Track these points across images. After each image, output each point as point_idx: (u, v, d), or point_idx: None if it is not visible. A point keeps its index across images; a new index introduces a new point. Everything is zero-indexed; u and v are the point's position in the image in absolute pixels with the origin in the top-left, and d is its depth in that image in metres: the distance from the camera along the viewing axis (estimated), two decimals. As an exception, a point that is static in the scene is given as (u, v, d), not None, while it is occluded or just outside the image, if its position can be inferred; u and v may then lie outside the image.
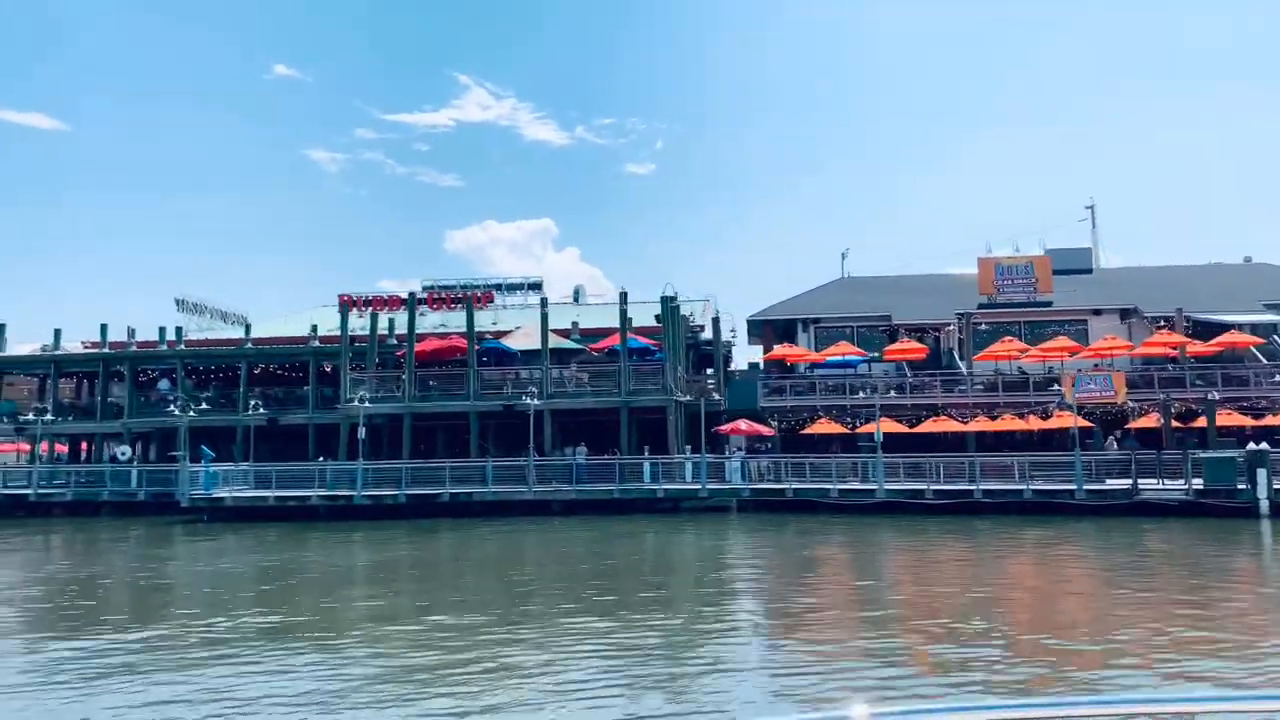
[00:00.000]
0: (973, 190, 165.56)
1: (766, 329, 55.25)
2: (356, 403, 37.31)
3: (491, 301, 60.64)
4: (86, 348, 53.85)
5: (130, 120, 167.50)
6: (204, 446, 37.88)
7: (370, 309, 60.57)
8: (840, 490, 34.09)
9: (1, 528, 37.08)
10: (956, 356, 49.41)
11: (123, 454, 43.50)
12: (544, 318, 40.41)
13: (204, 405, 42.99)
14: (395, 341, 46.28)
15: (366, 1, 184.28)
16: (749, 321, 55.99)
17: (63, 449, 57.58)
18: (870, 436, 39.25)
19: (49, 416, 43.27)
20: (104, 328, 49.32)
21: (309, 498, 35.72)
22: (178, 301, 64.82)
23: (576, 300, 64.77)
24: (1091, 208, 63.22)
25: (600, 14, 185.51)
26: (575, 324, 50.50)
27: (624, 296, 40.27)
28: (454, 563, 25.37)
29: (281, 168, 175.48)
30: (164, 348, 48.55)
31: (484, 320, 59.78)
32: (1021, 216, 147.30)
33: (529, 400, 36.35)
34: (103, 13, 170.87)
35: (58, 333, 48.91)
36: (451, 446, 41.79)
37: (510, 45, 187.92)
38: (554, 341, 43.48)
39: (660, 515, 34.30)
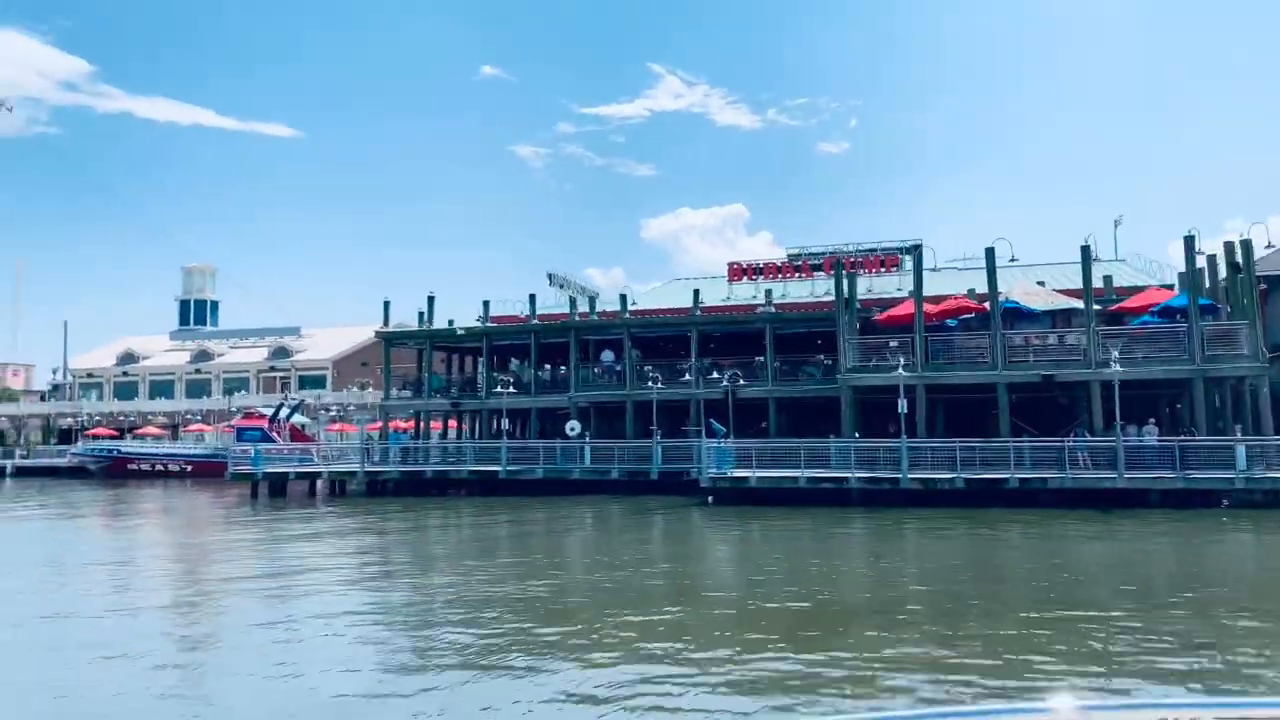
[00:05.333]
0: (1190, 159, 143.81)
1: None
2: (902, 370, 32.05)
3: (898, 265, 54.62)
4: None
5: (355, 125, 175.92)
6: (713, 421, 33.95)
7: (762, 277, 56.49)
8: None
9: (499, 507, 34.77)
10: None
11: (572, 429, 40.69)
12: (1086, 271, 33.60)
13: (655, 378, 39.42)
14: (858, 307, 41.09)
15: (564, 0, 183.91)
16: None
17: (453, 425, 56.71)
18: None
19: (512, 390, 41.04)
20: (532, 298, 47.15)
21: (846, 479, 30.89)
22: (549, 276, 63.49)
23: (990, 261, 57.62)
24: None
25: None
26: (1042, 283, 43.55)
27: (1190, 241, 32.88)
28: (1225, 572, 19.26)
29: (491, 165, 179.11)
30: (594, 318, 45.67)
31: (888, 285, 54.04)
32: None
33: (1114, 367, 29.74)
34: (330, 29, 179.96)
35: (486, 304, 47.21)
36: (954, 422, 36.07)
37: (701, 32, 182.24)
38: (1064, 302, 36.83)
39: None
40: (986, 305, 36.34)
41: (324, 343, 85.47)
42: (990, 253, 34.80)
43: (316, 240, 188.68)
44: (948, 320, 39.61)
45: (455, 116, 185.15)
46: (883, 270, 54.87)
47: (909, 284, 52.32)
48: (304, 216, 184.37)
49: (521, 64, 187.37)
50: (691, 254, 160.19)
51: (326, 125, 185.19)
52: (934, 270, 56.77)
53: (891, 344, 36.82)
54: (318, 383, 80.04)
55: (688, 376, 41.16)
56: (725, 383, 37.33)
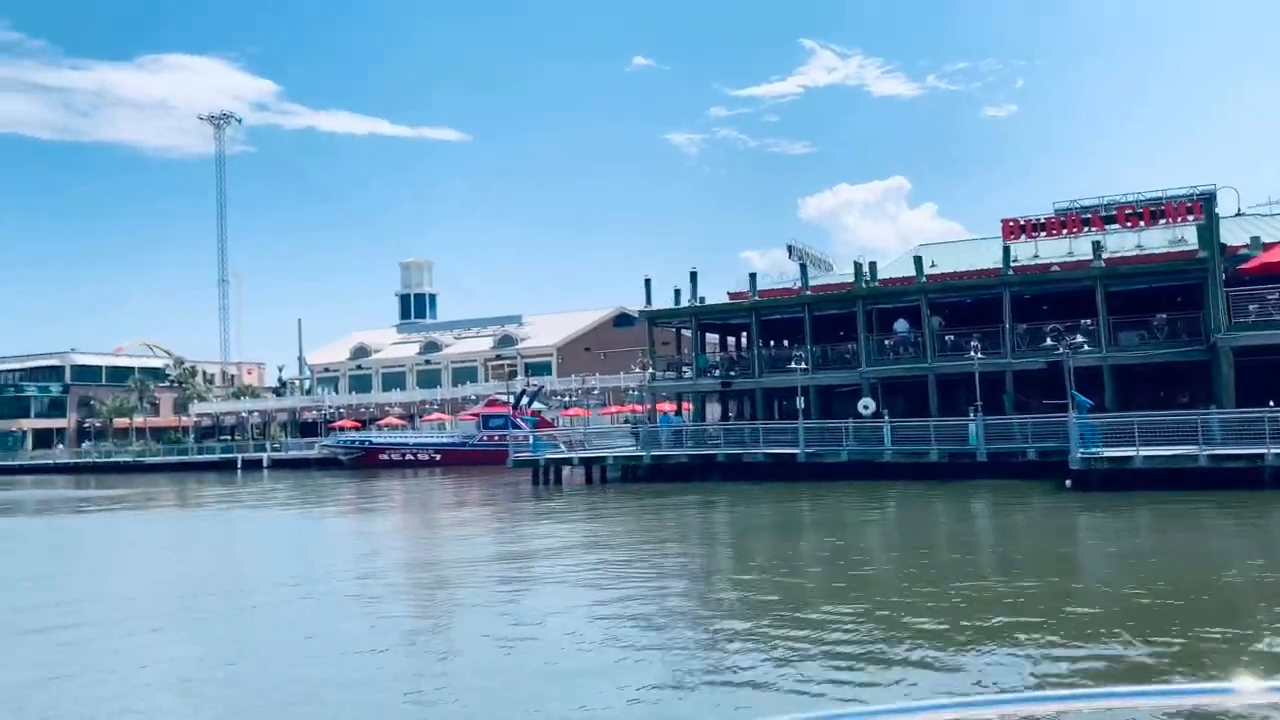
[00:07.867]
0: None
1: None
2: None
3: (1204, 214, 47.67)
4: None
5: (518, 126, 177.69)
6: (1077, 393, 29.61)
7: (1043, 233, 50.83)
8: None
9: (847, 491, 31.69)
10: None
11: (865, 408, 37.12)
12: None
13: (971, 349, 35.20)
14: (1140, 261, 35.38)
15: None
16: None
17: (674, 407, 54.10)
18: None
19: (803, 366, 37.94)
20: (804, 268, 43.84)
21: (1261, 456, 25.83)
22: (789, 248, 59.77)
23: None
24: None
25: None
26: None
27: None
28: None
29: (646, 155, 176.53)
30: (863, 285, 41.82)
31: (1191, 235, 47.26)
32: None
33: None
34: (483, 33, 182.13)
35: (753, 276, 44.24)
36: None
37: (854, 1, 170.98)
38: None
39: None
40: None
41: (545, 329, 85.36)
42: None
43: (500, 235, 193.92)
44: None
45: (610, 108, 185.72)
46: (1180, 220, 48.07)
47: (1232, 231, 45.72)
48: (483, 214, 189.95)
49: (672, 52, 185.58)
50: (851, 231, 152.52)
51: (490, 127, 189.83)
52: (1229, 216, 49.99)
53: (1270, 296, 31.34)
54: (543, 369, 79.78)
55: (1043, 345, 36.11)
56: (1061, 349, 32.55)
